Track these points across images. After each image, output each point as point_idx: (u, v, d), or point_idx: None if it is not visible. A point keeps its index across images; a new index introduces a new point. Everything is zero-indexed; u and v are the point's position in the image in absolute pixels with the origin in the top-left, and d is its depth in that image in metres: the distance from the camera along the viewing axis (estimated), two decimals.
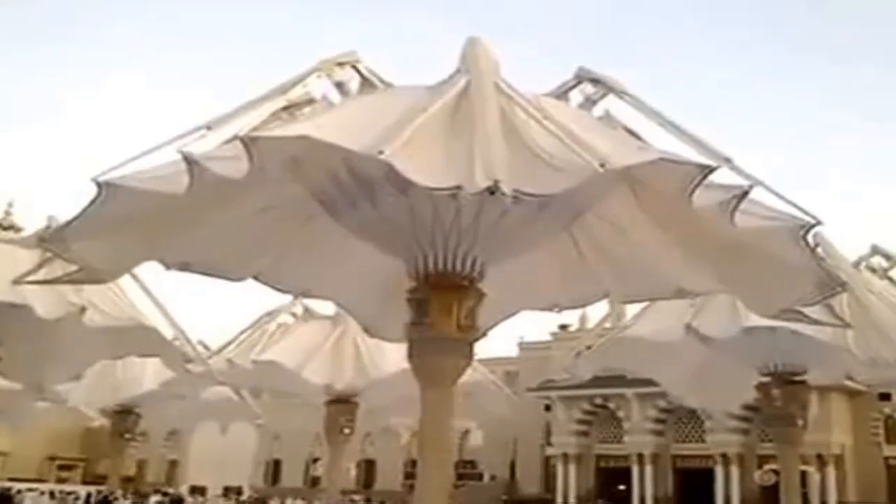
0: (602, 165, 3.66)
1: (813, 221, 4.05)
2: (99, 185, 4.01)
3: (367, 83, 4.95)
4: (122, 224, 4.41)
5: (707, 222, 4.22)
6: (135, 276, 7.83)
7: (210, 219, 4.70)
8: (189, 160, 3.83)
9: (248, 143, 3.89)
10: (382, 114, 4.14)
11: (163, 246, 4.86)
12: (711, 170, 3.75)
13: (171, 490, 51.19)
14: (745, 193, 3.85)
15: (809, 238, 4.20)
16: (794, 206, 4.14)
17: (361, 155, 3.75)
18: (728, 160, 4.11)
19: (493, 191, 3.56)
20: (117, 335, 7.96)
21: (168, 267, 4.99)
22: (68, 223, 4.38)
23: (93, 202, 4.10)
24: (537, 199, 4.06)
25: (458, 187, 3.67)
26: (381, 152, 3.64)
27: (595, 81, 4.91)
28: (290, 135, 4.13)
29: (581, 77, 4.94)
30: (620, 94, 4.82)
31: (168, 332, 8.64)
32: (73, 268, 5.04)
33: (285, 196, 4.85)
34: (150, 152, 4.24)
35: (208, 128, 4.38)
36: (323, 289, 6.10)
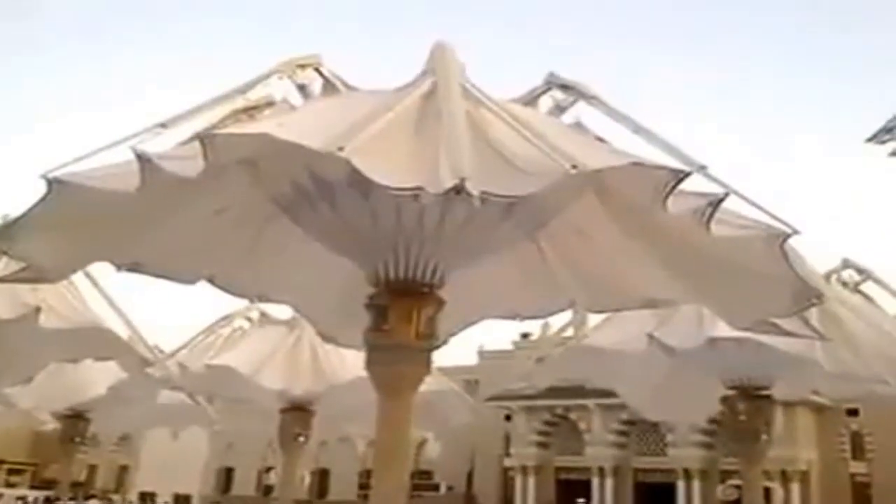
0: (573, 167, 3.57)
1: (789, 231, 3.99)
2: (49, 181, 3.88)
3: (329, 86, 4.84)
4: (71, 222, 4.28)
5: (678, 231, 4.16)
6: (91, 278, 7.68)
7: (164, 219, 4.57)
8: (142, 158, 3.70)
9: (206, 141, 3.76)
10: (344, 115, 4.03)
11: (113, 246, 4.72)
12: (685, 175, 3.68)
13: (114, 496, 50.64)
14: (720, 201, 3.78)
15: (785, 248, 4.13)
16: (770, 215, 4.08)
17: (321, 153, 3.63)
18: (702, 167, 4.06)
19: (458, 190, 3.45)
20: (73, 337, 7.74)
21: (119, 268, 4.87)
22: (15, 220, 4.24)
23: (42, 199, 3.97)
24: (502, 204, 3.99)
25: (420, 188, 3.57)
26: (340, 149, 3.53)
27: (565, 87, 4.85)
28: (249, 133, 4.03)
29: (551, 83, 4.87)
30: (591, 99, 4.75)
31: (124, 335, 8.47)
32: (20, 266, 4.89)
33: (242, 198, 4.72)
34: (102, 150, 4.12)
35: (163, 125, 4.27)
36: (279, 293, 5.98)
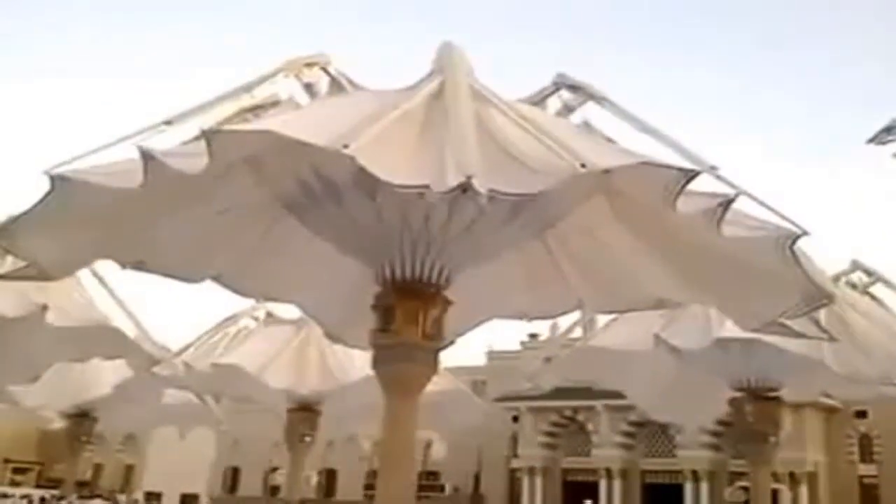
0: (582, 166, 3.53)
1: (799, 232, 3.94)
2: (52, 178, 3.84)
3: (336, 85, 4.80)
4: (74, 220, 4.24)
5: (688, 232, 4.12)
6: (98, 276, 7.65)
7: (169, 218, 4.55)
8: (145, 155, 3.64)
9: (210, 137, 3.69)
10: (350, 113, 4.00)
11: (117, 244, 4.68)
12: (695, 174, 3.63)
13: (120, 496, 50.71)
14: (731, 201, 3.73)
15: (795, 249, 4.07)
16: (780, 215, 4.03)
17: (325, 150, 3.59)
18: (713, 167, 4.01)
19: (465, 188, 3.41)
20: (81, 336, 7.71)
21: (123, 266, 4.84)
22: (17, 217, 4.20)
23: (45, 196, 3.93)
24: (509, 204, 3.97)
25: (426, 186, 3.53)
26: (345, 146, 3.49)
27: (574, 88, 4.81)
28: (254, 129, 4.00)
29: (559, 83, 4.84)
30: (600, 100, 4.71)
31: (131, 334, 8.44)
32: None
33: (248, 198, 4.69)
34: (106, 147, 4.09)
35: (168, 123, 4.23)
36: (285, 292, 5.96)
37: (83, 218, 4.24)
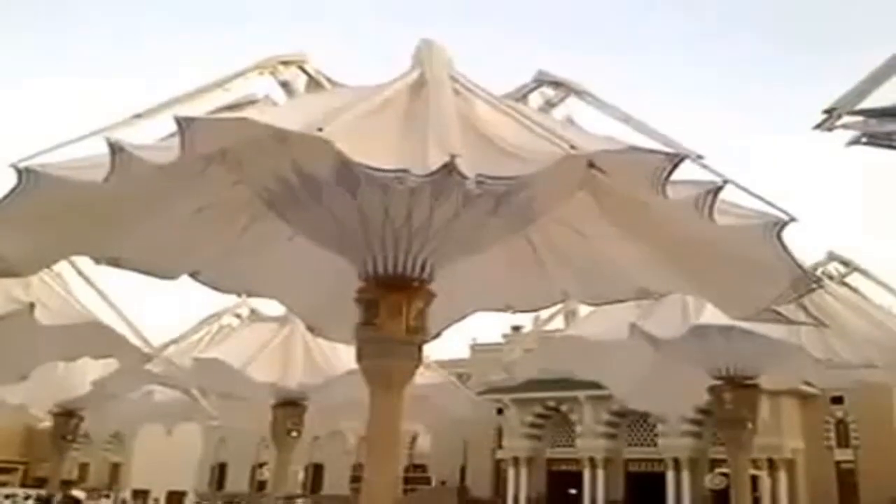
0: (573, 147, 3.50)
1: (787, 218, 3.88)
2: (19, 171, 3.74)
3: (314, 84, 4.74)
4: (44, 214, 4.12)
5: (672, 221, 4.10)
6: (83, 274, 7.58)
7: (146, 214, 4.49)
8: (113, 147, 3.53)
9: (184, 125, 3.54)
10: (328, 105, 3.93)
11: (89, 239, 4.61)
12: (681, 159, 3.58)
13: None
14: (720, 189, 3.68)
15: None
16: (766, 202, 3.98)
17: (300, 136, 3.53)
18: (699, 156, 3.92)
19: (450, 169, 3.33)
20: (71, 335, 7.56)
21: (98, 262, 4.80)
22: None
23: (13, 190, 3.80)
24: (493, 195, 3.93)
25: (405, 170, 3.45)
26: (319, 130, 3.42)
27: (556, 84, 4.76)
28: (228, 117, 3.95)
29: (541, 80, 4.79)
30: (582, 94, 4.67)
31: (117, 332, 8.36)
32: None
33: (228, 195, 4.64)
34: (76, 141, 4.00)
35: (138, 116, 4.14)
36: (267, 288, 5.91)
37: (53, 212, 4.14)
